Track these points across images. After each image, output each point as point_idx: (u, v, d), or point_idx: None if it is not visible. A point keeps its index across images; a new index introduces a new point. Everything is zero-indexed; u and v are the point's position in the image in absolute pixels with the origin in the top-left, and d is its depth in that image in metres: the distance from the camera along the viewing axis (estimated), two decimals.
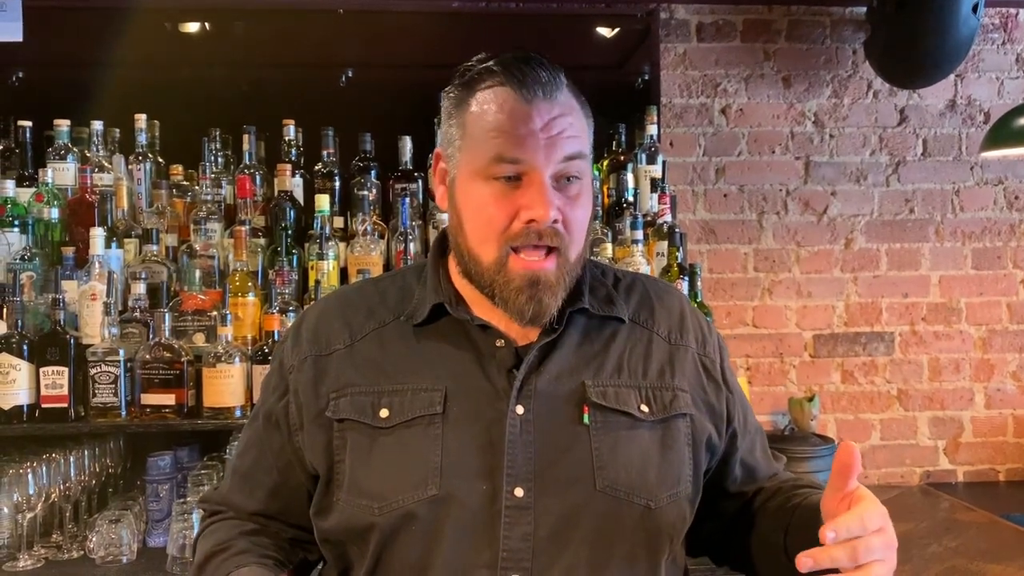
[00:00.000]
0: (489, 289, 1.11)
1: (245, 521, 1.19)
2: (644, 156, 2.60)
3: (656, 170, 2.59)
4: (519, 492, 1.04)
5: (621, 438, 1.09)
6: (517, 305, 1.08)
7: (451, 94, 1.14)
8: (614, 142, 2.75)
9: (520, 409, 1.07)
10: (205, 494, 1.31)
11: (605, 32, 3.03)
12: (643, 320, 1.20)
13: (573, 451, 1.07)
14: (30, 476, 1.93)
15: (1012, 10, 3.10)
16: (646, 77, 3.02)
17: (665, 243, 2.40)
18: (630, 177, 2.54)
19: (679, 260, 2.37)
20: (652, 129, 2.63)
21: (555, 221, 1.07)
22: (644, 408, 1.11)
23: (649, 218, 2.48)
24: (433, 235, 2.37)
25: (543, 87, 1.07)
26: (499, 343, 1.12)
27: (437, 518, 1.04)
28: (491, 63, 1.10)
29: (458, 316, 1.13)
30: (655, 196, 2.52)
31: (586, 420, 1.08)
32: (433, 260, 1.21)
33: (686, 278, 2.34)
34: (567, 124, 1.08)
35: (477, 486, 1.05)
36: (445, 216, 2.39)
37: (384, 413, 1.09)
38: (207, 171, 2.39)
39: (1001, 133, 2.57)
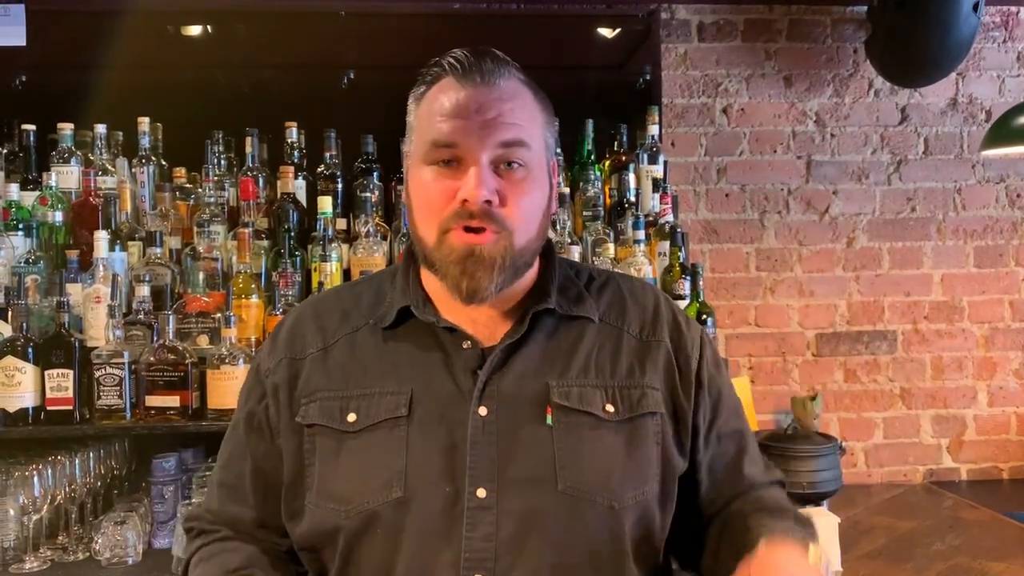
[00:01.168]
0: (434, 268, 1.11)
1: (246, 541, 1.17)
2: (646, 156, 2.60)
3: (658, 170, 2.59)
4: (481, 493, 1.04)
5: (585, 438, 1.08)
6: (452, 278, 1.08)
7: (413, 95, 1.16)
8: (616, 142, 2.75)
9: (483, 411, 1.08)
10: (191, 512, 1.27)
11: (606, 32, 3.03)
12: (613, 319, 1.18)
13: (535, 452, 1.07)
14: (35, 478, 1.93)
15: (1013, 8, 3.10)
16: (647, 77, 3.02)
17: (667, 243, 2.40)
18: (632, 177, 2.54)
19: (681, 260, 2.37)
20: (653, 129, 2.63)
21: (488, 202, 1.06)
22: (610, 408, 1.11)
23: (651, 218, 2.48)
24: None
25: (482, 74, 1.09)
26: (465, 345, 1.12)
27: (400, 520, 1.05)
28: (442, 57, 1.12)
29: (424, 318, 1.14)
30: (657, 196, 2.52)
31: (549, 421, 1.08)
32: (404, 263, 1.21)
33: (688, 278, 2.34)
34: (506, 109, 1.08)
35: (440, 488, 1.05)
36: None
37: (352, 417, 1.10)
38: (210, 173, 2.40)
39: (1002, 131, 2.57)
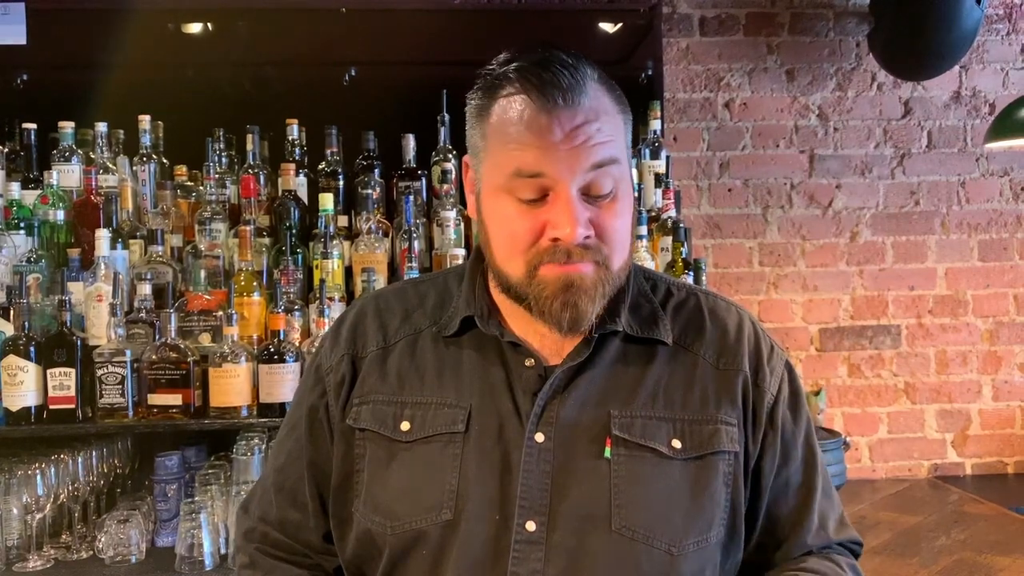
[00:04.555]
0: (525, 302, 1.03)
1: (300, 565, 1.13)
2: (648, 151, 2.59)
3: (660, 165, 2.58)
4: (531, 526, 0.98)
5: (645, 475, 1.01)
6: (553, 313, 1.00)
7: (473, 100, 1.06)
8: None
9: (540, 437, 1.01)
10: (247, 528, 1.17)
11: (608, 27, 3.02)
12: (689, 343, 1.09)
13: (591, 487, 1.00)
14: (39, 477, 1.94)
15: (1016, 0, 3.09)
16: (649, 72, 3.01)
17: (670, 238, 2.39)
18: (634, 172, 2.53)
19: (684, 255, 2.36)
20: (656, 124, 2.62)
21: (586, 237, 0.98)
22: (676, 443, 1.03)
23: (653, 213, 2.47)
24: (437, 233, 2.37)
25: (563, 93, 0.97)
26: (528, 363, 1.05)
27: (447, 543, 1.00)
28: (510, 68, 1.01)
29: (487, 332, 1.07)
30: (659, 191, 2.51)
31: (607, 454, 1.01)
32: (471, 267, 1.13)
33: (691, 273, 2.34)
34: (593, 131, 0.98)
35: (490, 515, 1.00)
36: (450, 214, 2.40)
37: (405, 426, 1.05)
38: (211, 171, 2.39)
39: (1006, 124, 2.56)
